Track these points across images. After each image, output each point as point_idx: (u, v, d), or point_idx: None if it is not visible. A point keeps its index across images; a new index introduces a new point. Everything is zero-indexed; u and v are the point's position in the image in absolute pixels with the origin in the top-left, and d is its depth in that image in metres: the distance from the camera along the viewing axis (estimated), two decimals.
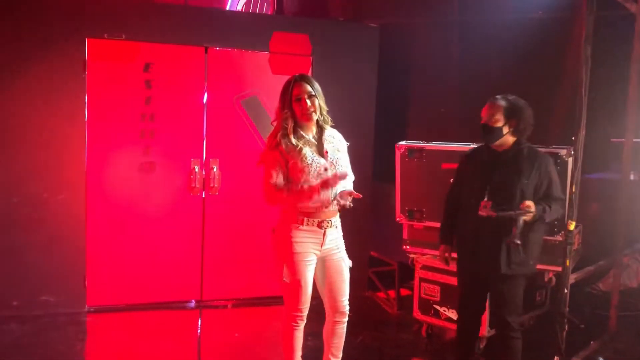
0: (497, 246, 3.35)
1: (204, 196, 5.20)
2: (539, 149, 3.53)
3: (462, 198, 3.57)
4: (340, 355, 3.45)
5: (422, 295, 4.55)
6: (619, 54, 4.48)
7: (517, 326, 3.46)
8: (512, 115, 3.37)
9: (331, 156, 3.24)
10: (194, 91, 5.12)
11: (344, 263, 3.34)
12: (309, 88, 3.19)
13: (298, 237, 3.19)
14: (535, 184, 3.36)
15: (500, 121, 3.36)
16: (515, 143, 3.43)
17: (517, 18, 5.18)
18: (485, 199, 3.29)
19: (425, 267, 4.52)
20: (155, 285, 5.12)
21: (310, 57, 5.39)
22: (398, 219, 4.71)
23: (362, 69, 5.58)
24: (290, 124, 3.18)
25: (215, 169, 5.19)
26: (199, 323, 5.05)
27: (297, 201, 3.15)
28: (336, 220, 3.30)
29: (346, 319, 3.39)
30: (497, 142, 3.41)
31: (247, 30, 5.29)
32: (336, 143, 3.32)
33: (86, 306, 4.97)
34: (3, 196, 4.71)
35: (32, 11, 4.69)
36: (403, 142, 4.68)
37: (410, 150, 4.59)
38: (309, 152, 3.18)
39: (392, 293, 5.56)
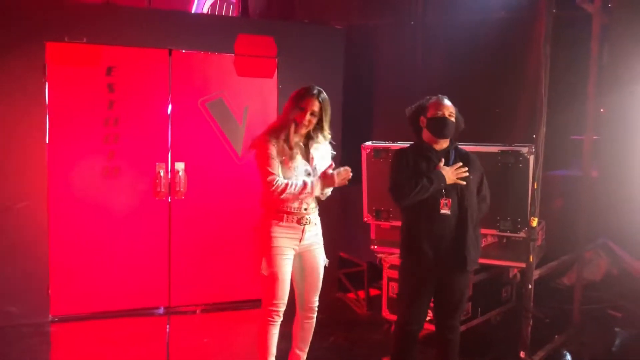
0: (461, 244, 3.34)
1: (169, 200, 5.14)
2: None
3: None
4: (306, 349, 3.59)
5: (391, 295, 4.57)
6: (578, 54, 4.58)
7: (459, 324, 3.54)
8: (457, 116, 3.47)
9: (316, 162, 3.41)
10: (158, 94, 5.06)
11: (321, 260, 3.48)
12: (317, 107, 3.35)
13: (277, 232, 3.33)
14: (478, 183, 3.46)
15: (453, 117, 3.42)
16: (451, 142, 3.48)
17: (480, 19, 5.26)
18: (444, 197, 3.34)
19: (393, 267, 4.54)
20: (121, 293, 5.03)
21: (276, 59, 5.38)
22: (365, 219, 4.73)
23: (328, 71, 5.58)
24: (292, 128, 3.33)
25: (180, 173, 5.14)
26: (168, 329, 4.99)
27: (299, 194, 3.28)
28: (315, 218, 3.45)
29: (315, 314, 3.53)
30: (442, 141, 3.44)
31: (212, 32, 5.25)
32: (322, 151, 3.47)
33: (50, 316, 4.86)
34: None
35: None
36: (369, 143, 4.70)
37: (376, 150, 4.62)
38: (300, 157, 3.35)
39: (361, 293, 5.57)
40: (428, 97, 3.53)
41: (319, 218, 3.50)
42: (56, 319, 4.87)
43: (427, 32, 5.78)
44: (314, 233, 3.44)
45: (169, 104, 5.09)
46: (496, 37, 5.23)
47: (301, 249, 3.40)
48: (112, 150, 4.94)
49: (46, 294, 4.84)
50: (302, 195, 3.30)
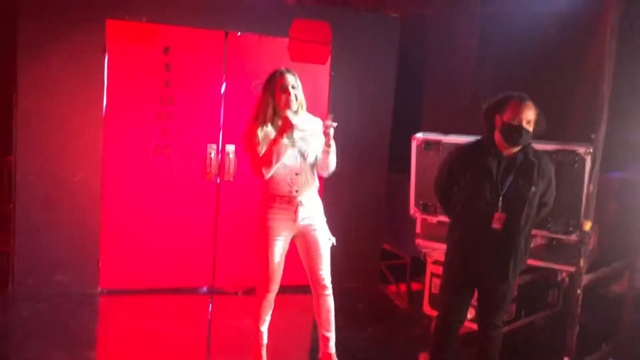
0: (506, 258, 3.27)
1: (218, 182, 5.21)
2: (540, 150, 3.38)
3: (462, 199, 3.38)
4: (332, 329, 3.69)
5: (433, 290, 4.51)
6: None
7: (502, 323, 3.47)
8: (538, 119, 3.23)
9: (300, 146, 3.49)
10: (213, 75, 5.12)
11: (321, 238, 3.60)
12: (292, 80, 3.47)
13: (271, 214, 3.53)
14: (543, 191, 3.30)
15: (532, 124, 3.19)
16: (525, 147, 3.27)
17: (540, 11, 5.07)
18: (499, 212, 3.21)
19: (437, 262, 4.48)
20: (167, 271, 5.15)
21: (330, 46, 5.35)
22: (412, 212, 4.67)
23: (381, 59, 5.53)
24: (270, 112, 3.48)
25: (231, 155, 5.19)
26: (210, 309, 5.08)
27: (274, 153, 3.38)
28: (308, 200, 3.54)
29: (328, 291, 3.64)
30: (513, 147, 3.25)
31: (267, 16, 5.26)
32: (308, 131, 3.52)
33: (99, 288, 5.02)
34: (24, 175, 4.75)
35: None
36: (420, 134, 4.63)
37: (426, 142, 4.55)
38: (286, 140, 3.42)
39: (403, 287, 5.53)
40: (509, 93, 3.27)
41: (316, 199, 3.62)
42: (105, 291, 5.02)
43: (484, 23, 5.62)
44: (308, 214, 3.54)
45: (222, 86, 5.14)
46: (556, 31, 5.03)
47: (298, 230, 3.56)
48: (166, 128, 5.04)
49: (96, 267, 4.99)
50: (278, 150, 3.35)
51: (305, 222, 3.56)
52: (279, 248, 3.57)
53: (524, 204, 3.22)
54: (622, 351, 4.28)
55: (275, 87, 3.47)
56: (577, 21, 4.92)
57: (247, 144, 3.52)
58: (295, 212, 3.51)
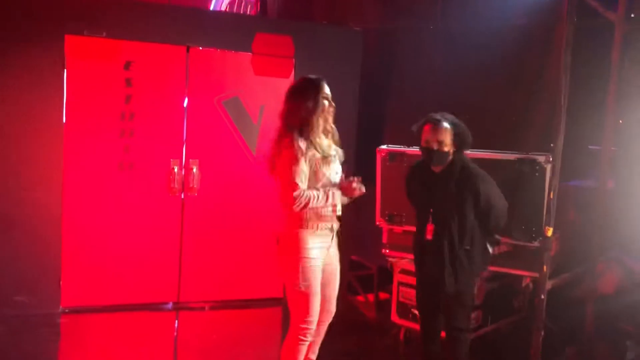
0: (441, 267, 3.44)
1: (183, 197, 5.16)
2: (470, 165, 3.53)
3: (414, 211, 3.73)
4: (317, 352, 3.45)
5: (401, 299, 4.55)
6: (598, 62, 4.52)
7: (466, 324, 3.61)
8: (457, 138, 3.44)
9: (336, 167, 3.23)
10: (175, 90, 5.08)
11: (338, 262, 3.34)
12: (329, 93, 3.15)
13: (312, 242, 3.10)
14: (472, 202, 3.42)
15: (448, 146, 3.42)
16: (450, 163, 3.47)
17: (500, 25, 5.21)
18: (430, 223, 3.47)
19: (404, 271, 4.51)
20: (132, 287, 5.06)
21: (293, 59, 5.38)
22: (378, 223, 4.70)
23: (345, 72, 5.57)
24: (321, 128, 3.09)
25: (195, 170, 5.15)
26: (176, 325, 5.00)
27: (323, 206, 3.09)
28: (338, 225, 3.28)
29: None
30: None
31: (230, 30, 5.26)
32: (338, 155, 3.29)
33: (60, 307, 4.89)
34: None
35: (10, 6, 4.61)
36: (384, 147, 4.68)
37: (391, 154, 4.60)
38: (334, 164, 3.15)
39: (371, 297, 5.55)
40: (427, 117, 3.49)
41: None
42: (67, 310, 4.90)
43: (445, 37, 5.73)
44: (336, 241, 3.27)
45: (185, 101, 5.11)
46: (516, 44, 5.17)
47: (327, 258, 3.22)
48: (128, 144, 4.97)
49: (58, 285, 4.86)
50: (321, 207, 3.08)
51: (333, 249, 3.25)
52: (320, 280, 3.16)
53: (450, 215, 3.41)
54: (585, 354, 4.37)
55: (320, 96, 3.08)
56: (535, 35, 5.07)
57: (286, 170, 3.01)
58: (332, 238, 3.18)
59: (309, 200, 3.02)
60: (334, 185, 3.16)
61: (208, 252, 5.25)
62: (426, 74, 5.67)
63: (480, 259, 3.55)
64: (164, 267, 5.15)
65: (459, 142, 3.44)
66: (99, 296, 4.99)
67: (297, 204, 3.00)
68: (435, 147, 3.41)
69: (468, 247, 3.46)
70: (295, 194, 2.99)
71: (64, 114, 4.78)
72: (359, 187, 3.19)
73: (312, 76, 3.23)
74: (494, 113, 5.07)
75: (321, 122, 3.11)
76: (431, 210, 3.49)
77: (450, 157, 3.45)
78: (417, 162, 3.74)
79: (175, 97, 5.08)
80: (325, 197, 3.08)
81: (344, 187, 3.18)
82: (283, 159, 3.05)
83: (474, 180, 3.44)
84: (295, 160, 3.00)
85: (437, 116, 3.46)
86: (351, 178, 3.22)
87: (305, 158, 3.03)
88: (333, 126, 3.23)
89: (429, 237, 3.48)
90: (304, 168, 3.02)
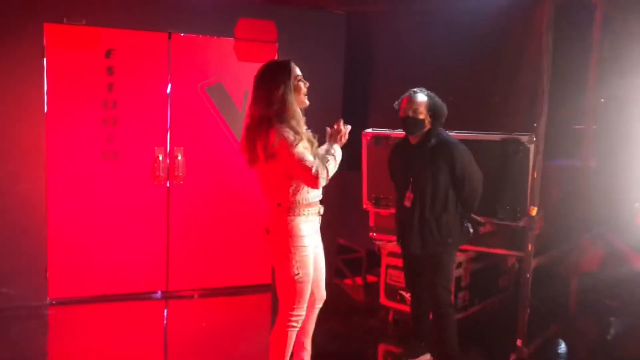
0: (417, 232, 3.64)
1: (168, 185, 5.13)
2: (447, 137, 3.66)
3: (395, 184, 3.90)
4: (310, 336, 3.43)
5: (388, 282, 4.59)
6: (580, 43, 4.55)
7: (447, 300, 3.68)
8: (432, 108, 3.60)
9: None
10: (158, 78, 5.03)
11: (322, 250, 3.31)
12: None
13: (305, 230, 3.05)
14: (447, 170, 3.56)
15: (423, 114, 3.60)
16: (426, 132, 3.64)
17: (481, 5, 5.21)
18: (409, 191, 3.64)
19: (392, 254, 4.55)
20: (119, 276, 5.04)
21: (276, 44, 5.35)
22: (365, 206, 4.72)
23: (329, 56, 5.56)
24: (297, 109, 3.03)
25: (179, 157, 5.12)
26: (165, 314, 5.00)
27: (336, 165, 3.09)
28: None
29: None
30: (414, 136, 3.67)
31: (212, 16, 5.20)
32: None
33: (48, 298, 4.87)
34: None
35: None
36: (369, 130, 4.69)
37: (376, 137, 4.61)
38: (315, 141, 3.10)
39: (359, 280, 5.59)
40: (407, 92, 3.68)
41: None
42: (54, 302, 4.87)
43: (427, 18, 5.73)
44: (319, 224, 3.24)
45: (168, 88, 5.06)
46: (497, 25, 5.17)
47: (316, 241, 3.20)
48: (111, 133, 4.92)
49: (44, 277, 4.84)
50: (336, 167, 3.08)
51: (318, 233, 3.23)
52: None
53: (425, 183, 3.59)
54: (569, 330, 4.45)
55: (293, 78, 3.04)
56: (517, 15, 5.08)
57: (294, 158, 2.92)
58: (319, 222, 3.17)
59: (328, 166, 3.01)
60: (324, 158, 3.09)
61: (195, 240, 5.24)
62: (409, 56, 5.67)
63: (454, 229, 3.64)
64: (151, 256, 5.14)
65: (434, 112, 3.60)
66: (87, 287, 4.97)
67: (321, 176, 2.95)
68: (410, 114, 3.59)
69: (440, 214, 3.59)
70: (313, 171, 2.92)
71: (45, 104, 4.72)
72: (345, 128, 3.19)
73: (280, 59, 3.22)
74: (477, 94, 5.09)
75: (299, 104, 3.07)
76: (411, 179, 3.66)
77: (427, 128, 3.62)
78: (397, 140, 3.94)
79: (158, 84, 5.03)
80: (333, 158, 3.08)
81: (333, 136, 3.18)
82: (279, 148, 2.94)
83: (450, 148, 3.58)
84: (291, 144, 2.93)
85: (414, 89, 3.68)
86: (334, 125, 3.20)
87: (298, 137, 2.97)
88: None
89: (407, 203, 3.66)
90: (305, 145, 2.98)
